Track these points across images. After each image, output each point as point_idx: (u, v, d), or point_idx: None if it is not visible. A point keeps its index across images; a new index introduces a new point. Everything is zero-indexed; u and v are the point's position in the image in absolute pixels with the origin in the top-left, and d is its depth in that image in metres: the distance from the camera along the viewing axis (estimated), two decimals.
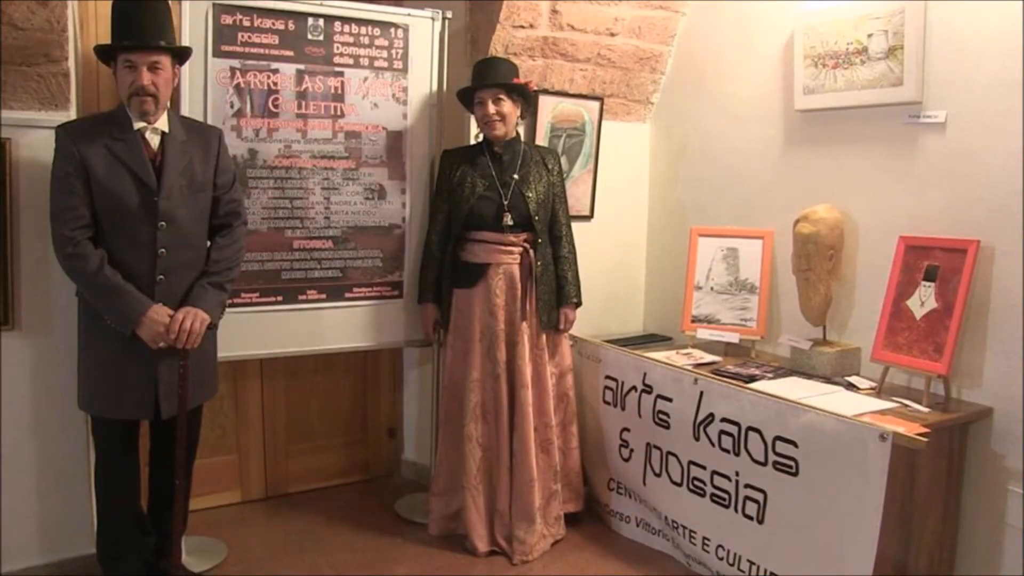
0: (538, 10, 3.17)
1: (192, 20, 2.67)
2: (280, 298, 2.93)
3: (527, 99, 2.98)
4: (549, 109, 3.39)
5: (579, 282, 3.09)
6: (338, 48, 2.92)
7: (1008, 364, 2.48)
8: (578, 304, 3.08)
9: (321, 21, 2.88)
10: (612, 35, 3.39)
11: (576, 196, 3.51)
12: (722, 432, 2.64)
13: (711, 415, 2.68)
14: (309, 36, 2.87)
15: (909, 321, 2.62)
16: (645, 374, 2.96)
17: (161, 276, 2.34)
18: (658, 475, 2.93)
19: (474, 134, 3.06)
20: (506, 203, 2.91)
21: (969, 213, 2.57)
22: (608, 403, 3.15)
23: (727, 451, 2.63)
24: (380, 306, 3.11)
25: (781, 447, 2.46)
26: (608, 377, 3.14)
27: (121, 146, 2.30)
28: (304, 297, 2.97)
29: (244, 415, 3.34)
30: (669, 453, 2.87)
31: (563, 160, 3.34)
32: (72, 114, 2.56)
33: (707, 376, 2.77)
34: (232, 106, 2.78)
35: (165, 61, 2.31)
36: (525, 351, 2.92)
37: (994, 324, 2.51)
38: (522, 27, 3.16)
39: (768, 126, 3.24)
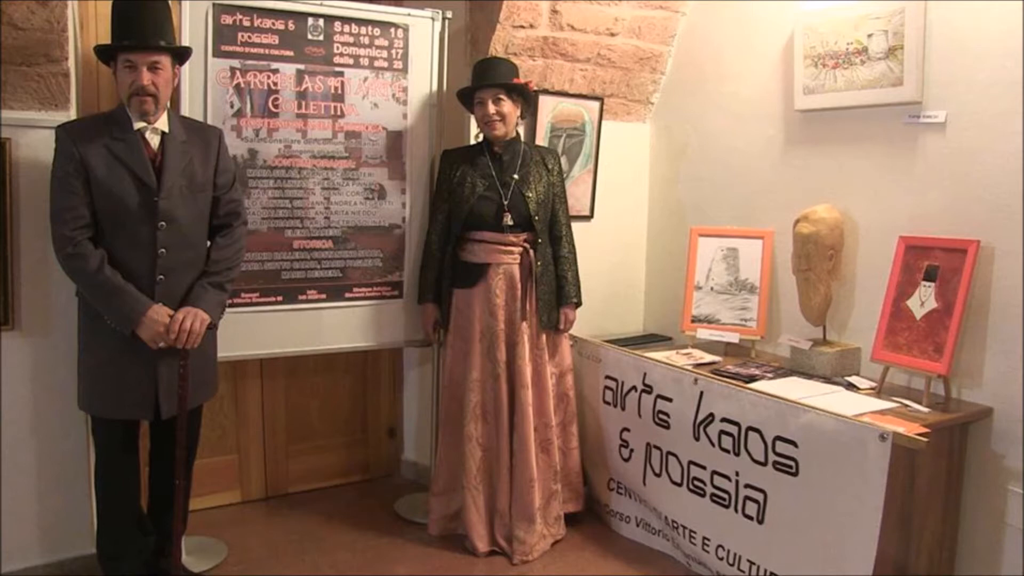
0: (538, 10, 3.17)
1: (192, 20, 2.67)
2: (280, 298, 2.93)
3: (527, 99, 2.98)
4: (549, 109, 3.39)
5: (579, 282, 3.08)
6: (338, 48, 2.92)
7: (1008, 364, 2.48)
8: (578, 304, 3.08)
9: (321, 21, 2.88)
10: (612, 35, 3.39)
11: (576, 196, 3.51)
12: (722, 432, 2.64)
13: (711, 415, 2.68)
14: (309, 36, 2.87)
15: (909, 321, 2.62)
16: (645, 374, 2.96)
17: (161, 276, 2.34)
18: (658, 475, 2.93)
19: (474, 134, 3.06)
20: (506, 203, 2.91)
21: (969, 213, 2.57)
22: (608, 403, 3.15)
23: (727, 451, 2.63)
24: (380, 306, 3.11)
25: (781, 447, 2.46)
26: (608, 377, 3.14)
27: (121, 146, 2.29)
28: (304, 297, 2.97)
29: (244, 415, 3.34)
30: (669, 453, 2.87)
31: (563, 160, 3.34)
32: (72, 114, 2.56)
33: (707, 376, 2.77)
34: (232, 106, 2.78)
35: (165, 61, 2.31)
36: (525, 351, 2.91)
37: (994, 324, 2.51)
38: (522, 27, 3.16)
39: (768, 126, 3.24)
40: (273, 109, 2.84)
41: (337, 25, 2.91)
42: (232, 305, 2.73)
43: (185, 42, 2.62)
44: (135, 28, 2.26)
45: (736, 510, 2.61)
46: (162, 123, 2.36)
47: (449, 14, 3.11)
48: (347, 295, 3.05)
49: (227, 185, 2.52)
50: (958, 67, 2.58)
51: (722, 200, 3.46)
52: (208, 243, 2.50)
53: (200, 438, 2.69)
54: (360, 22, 2.95)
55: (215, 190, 2.49)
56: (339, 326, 3.04)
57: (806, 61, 2.98)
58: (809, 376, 2.86)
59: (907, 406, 2.53)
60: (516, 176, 2.94)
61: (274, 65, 2.82)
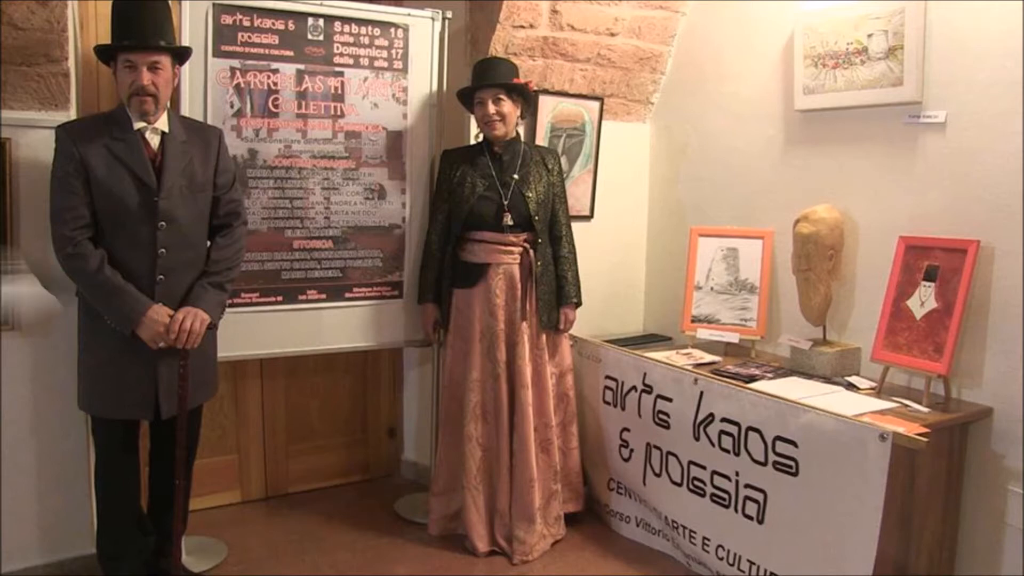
0: (538, 10, 3.17)
1: (192, 20, 2.67)
2: (280, 298, 2.93)
3: (527, 99, 2.98)
4: (549, 109, 3.39)
5: (579, 282, 3.08)
6: (338, 48, 2.92)
7: (1008, 364, 2.48)
8: (578, 304, 3.08)
9: (321, 21, 2.88)
10: (612, 35, 3.39)
11: (576, 196, 3.51)
12: (722, 432, 2.64)
13: (711, 415, 2.68)
14: (309, 36, 2.87)
15: (909, 321, 2.62)
16: (645, 374, 2.96)
17: (161, 276, 2.34)
18: (658, 475, 2.93)
19: (474, 134, 3.06)
20: (506, 203, 2.91)
21: (969, 213, 2.57)
22: (608, 403, 3.15)
23: (727, 451, 2.63)
24: (380, 306, 3.11)
25: (781, 447, 2.46)
26: (608, 377, 3.14)
27: (121, 146, 2.29)
28: (304, 297, 2.97)
29: (244, 415, 3.34)
30: (669, 453, 2.87)
31: (563, 160, 3.34)
32: (72, 114, 2.56)
33: (707, 376, 2.77)
34: (232, 106, 2.78)
35: (165, 61, 2.31)
36: (525, 351, 2.91)
37: (994, 324, 2.51)
38: (522, 27, 3.16)
39: (768, 126, 3.24)
40: (273, 109, 2.84)
41: (337, 25, 2.91)
42: (232, 305, 2.73)
43: (185, 42, 2.62)
44: (135, 28, 2.26)
45: (736, 510, 2.61)
46: (162, 123, 2.36)
47: (449, 14, 3.11)
48: (347, 295, 3.05)
49: (227, 185, 2.52)
50: (958, 67, 2.58)
51: (722, 200, 3.46)
52: (208, 243, 2.50)
53: (200, 438, 2.69)
54: (360, 22, 2.95)
55: (215, 190, 2.49)
56: (339, 326, 3.04)
57: (806, 61, 2.98)
58: (809, 376, 2.85)
59: (907, 406, 2.53)
60: (516, 176, 2.94)
61: (274, 65, 2.82)
